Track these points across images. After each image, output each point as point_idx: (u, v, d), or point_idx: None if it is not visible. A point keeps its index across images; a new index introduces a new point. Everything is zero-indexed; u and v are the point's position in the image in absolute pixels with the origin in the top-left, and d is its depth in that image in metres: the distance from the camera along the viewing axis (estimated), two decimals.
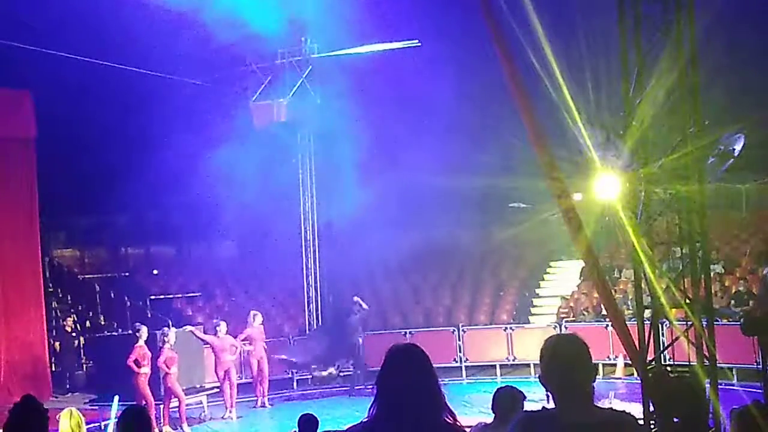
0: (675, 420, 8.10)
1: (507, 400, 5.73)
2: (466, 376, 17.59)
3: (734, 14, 15.64)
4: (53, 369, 17.81)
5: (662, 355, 8.72)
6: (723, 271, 18.52)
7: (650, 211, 8.44)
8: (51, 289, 20.17)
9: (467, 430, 4.61)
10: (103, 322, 20.38)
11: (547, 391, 3.22)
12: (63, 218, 22.85)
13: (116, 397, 12.79)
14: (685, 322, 8.56)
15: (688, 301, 8.37)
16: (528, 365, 17.08)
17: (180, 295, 22.04)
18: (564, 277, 21.43)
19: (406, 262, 22.12)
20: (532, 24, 8.64)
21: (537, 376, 3.29)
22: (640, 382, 8.80)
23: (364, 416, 3.41)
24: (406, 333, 18.16)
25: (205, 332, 15.90)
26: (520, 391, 5.82)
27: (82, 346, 19.23)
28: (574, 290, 20.06)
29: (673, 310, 8.64)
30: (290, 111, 18.47)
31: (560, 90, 8.78)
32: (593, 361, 3.24)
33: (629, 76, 8.29)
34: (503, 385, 5.99)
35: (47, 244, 20.64)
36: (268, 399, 15.96)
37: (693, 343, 8.30)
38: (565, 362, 3.14)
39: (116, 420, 5.17)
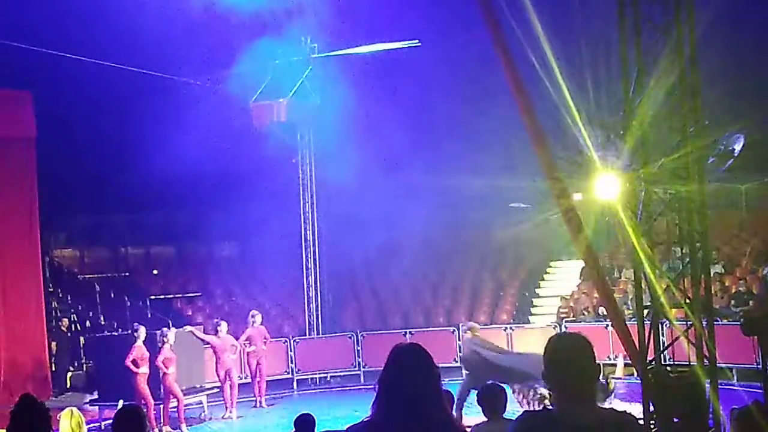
0: (675, 420, 8.12)
1: (490, 396, 5.95)
2: None
3: (734, 14, 15.64)
4: (52, 369, 17.81)
5: (662, 355, 8.72)
6: (723, 271, 18.53)
7: (650, 211, 8.43)
8: (51, 289, 20.18)
9: (467, 430, 4.63)
10: (103, 322, 20.39)
11: (548, 390, 3.22)
12: (63, 218, 22.85)
13: (120, 401, 12.83)
14: (685, 322, 8.56)
15: (688, 301, 8.36)
16: None
17: (180, 295, 22.07)
18: (564, 277, 21.44)
19: (406, 262, 22.12)
20: (532, 24, 8.64)
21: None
22: (640, 382, 8.80)
23: (365, 416, 3.42)
24: (406, 333, 18.17)
25: (205, 332, 15.91)
26: (501, 386, 6.07)
27: (81, 345, 19.24)
28: (574, 290, 20.06)
29: (673, 310, 8.63)
30: (290, 111, 18.46)
31: (560, 90, 8.78)
32: (596, 361, 3.23)
33: (629, 76, 8.29)
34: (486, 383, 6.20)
35: (47, 244, 20.64)
36: (267, 399, 15.97)
37: (693, 343, 8.30)
38: (567, 361, 3.14)
39: (111, 420, 5.17)
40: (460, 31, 16.94)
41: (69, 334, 19.22)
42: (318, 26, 18.14)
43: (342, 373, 18.33)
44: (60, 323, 19.19)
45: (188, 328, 15.72)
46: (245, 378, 16.26)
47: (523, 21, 8.61)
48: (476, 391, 6.25)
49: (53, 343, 18.43)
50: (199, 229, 24.12)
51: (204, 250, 25.21)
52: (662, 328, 10.93)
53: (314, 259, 19.48)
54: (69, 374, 18.48)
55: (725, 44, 15.34)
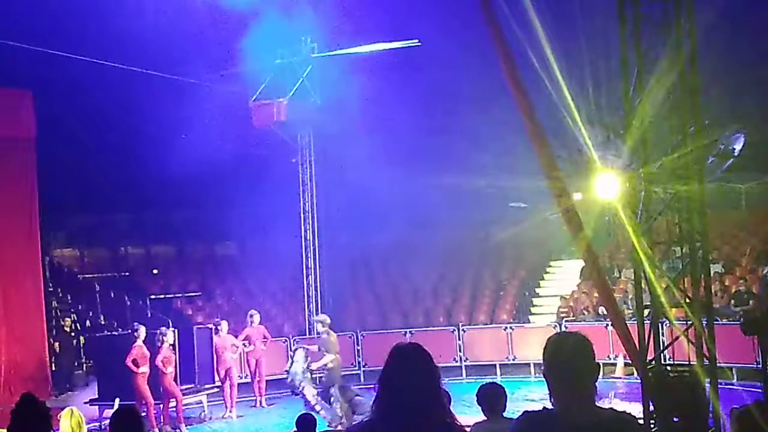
0: (675, 419, 8.12)
1: (491, 396, 5.90)
2: (466, 376, 17.60)
3: (734, 14, 15.64)
4: (53, 368, 17.81)
5: (662, 354, 8.72)
6: (723, 270, 18.53)
7: (650, 210, 8.43)
8: (51, 289, 20.16)
9: (467, 429, 4.62)
10: (103, 322, 20.38)
11: (548, 388, 3.21)
12: (63, 218, 22.84)
13: (117, 399, 12.84)
14: (685, 322, 8.56)
15: (688, 300, 8.36)
16: (528, 365, 17.10)
17: (180, 295, 22.07)
18: (564, 277, 21.44)
19: (407, 262, 22.14)
20: (532, 24, 8.64)
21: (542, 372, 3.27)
22: (640, 382, 8.80)
23: (365, 415, 3.42)
24: (406, 333, 18.17)
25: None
26: (502, 386, 6.01)
27: (81, 345, 19.24)
28: (574, 290, 20.07)
29: (673, 309, 8.63)
30: (290, 111, 18.46)
31: (560, 90, 8.78)
32: (596, 361, 3.22)
33: (629, 76, 8.28)
34: (485, 382, 6.15)
35: (47, 244, 20.62)
36: (267, 399, 15.97)
37: (693, 342, 8.30)
38: (567, 361, 3.13)
39: (109, 421, 5.17)
40: (460, 31, 16.92)
41: (72, 334, 19.22)
42: (318, 26, 18.14)
43: (342, 373, 18.30)
44: (62, 323, 19.19)
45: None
46: (245, 377, 16.27)
47: (523, 21, 8.61)
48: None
49: (56, 343, 18.45)
50: (199, 228, 24.11)
51: (204, 250, 25.21)
52: (662, 327, 10.93)
53: (314, 260, 19.47)
54: (67, 374, 18.47)
55: (725, 44, 15.34)
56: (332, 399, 12.37)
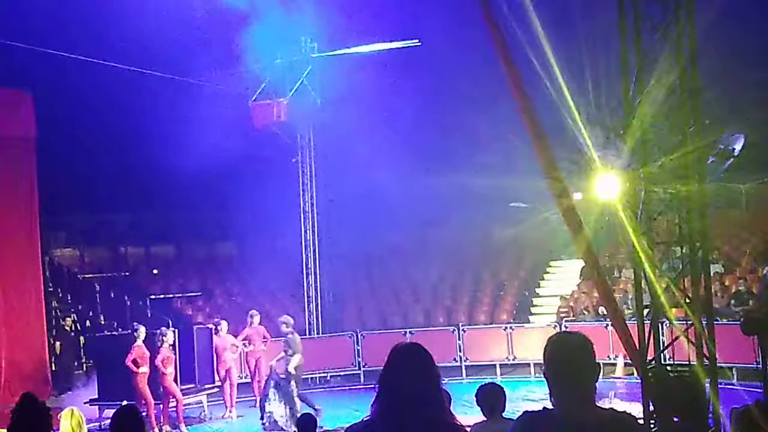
0: (675, 419, 8.11)
1: (490, 396, 5.89)
2: (466, 376, 17.59)
3: (734, 15, 15.64)
4: (53, 368, 17.81)
5: (662, 354, 8.72)
6: (723, 270, 18.53)
7: (650, 210, 8.44)
8: (51, 289, 20.17)
9: (467, 430, 4.63)
10: (103, 322, 20.39)
11: (548, 388, 3.21)
12: (63, 218, 22.86)
13: (125, 403, 12.84)
14: (685, 322, 8.56)
15: (688, 300, 8.37)
16: (528, 365, 17.09)
17: (180, 295, 22.08)
18: (564, 277, 21.44)
19: (407, 262, 22.12)
20: (532, 24, 8.64)
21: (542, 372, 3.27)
22: (640, 381, 8.80)
23: (365, 416, 3.42)
24: (406, 333, 18.16)
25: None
26: (501, 386, 6.00)
27: (81, 345, 19.24)
28: (574, 290, 20.07)
29: (673, 309, 8.64)
30: (290, 111, 18.47)
31: (560, 90, 8.78)
32: (596, 361, 3.22)
33: (629, 76, 8.29)
34: (484, 383, 6.14)
35: (47, 244, 20.63)
36: None
37: (693, 342, 8.30)
38: (567, 361, 3.13)
39: (109, 420, 5.17)
40: (460, 31, 16.92)
41: (72, 334, 19.23)
42: (318, 26, 18.15)
43: (342, 373, 18.33)
44: (62, 323, 19.19)
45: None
46: (245, 378, 16.26)
47: (523, 21, 8.61)
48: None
49: (57, 343, 18.44)
50: (199, 229, 24.14)
51: (204, 250, 25.23)
52: (662, 327, 10.93)
53: (314, 259, 19.47)
54: (68, 374, 18.48)
55: (725, 44, 15.33)
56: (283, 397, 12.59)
